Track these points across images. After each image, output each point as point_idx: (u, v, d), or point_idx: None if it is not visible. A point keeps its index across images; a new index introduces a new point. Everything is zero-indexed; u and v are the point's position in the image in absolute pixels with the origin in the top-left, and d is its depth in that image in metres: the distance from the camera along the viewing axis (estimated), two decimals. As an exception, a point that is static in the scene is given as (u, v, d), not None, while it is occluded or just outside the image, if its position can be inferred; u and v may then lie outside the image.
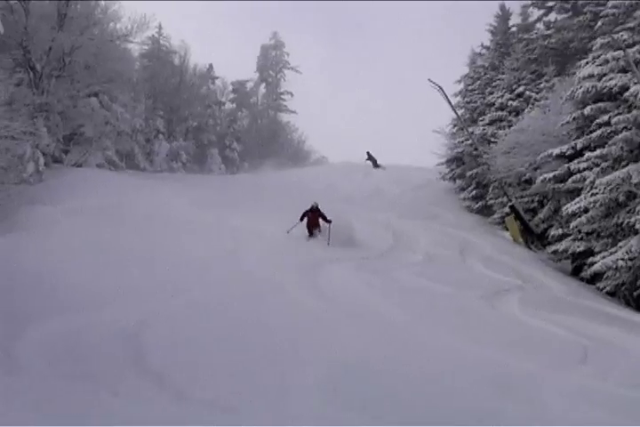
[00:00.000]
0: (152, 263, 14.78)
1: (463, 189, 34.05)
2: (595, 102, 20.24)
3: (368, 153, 43.55)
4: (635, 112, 18.03)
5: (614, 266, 17.70)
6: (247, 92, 61.96)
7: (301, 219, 20.40)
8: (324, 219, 20.32)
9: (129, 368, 8.90)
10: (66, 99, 28.75)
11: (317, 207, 20.58)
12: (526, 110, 28.79)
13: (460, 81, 41.02)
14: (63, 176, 25.32)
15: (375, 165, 43.11)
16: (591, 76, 20.27)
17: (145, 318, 10.95)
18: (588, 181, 19.82)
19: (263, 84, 66.78)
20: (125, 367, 8.92)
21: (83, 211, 19.46)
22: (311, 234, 20.50)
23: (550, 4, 34.40)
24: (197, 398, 7.97)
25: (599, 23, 22.40)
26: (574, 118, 21.23)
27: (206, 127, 48.79)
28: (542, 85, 29.76)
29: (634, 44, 18.97)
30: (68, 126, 29.93)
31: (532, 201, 26.44)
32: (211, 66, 51.61)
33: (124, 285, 12.80)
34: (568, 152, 21.73)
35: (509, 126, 28.82)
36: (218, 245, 17.66)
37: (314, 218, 20.48)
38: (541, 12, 35.90)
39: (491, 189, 29.76)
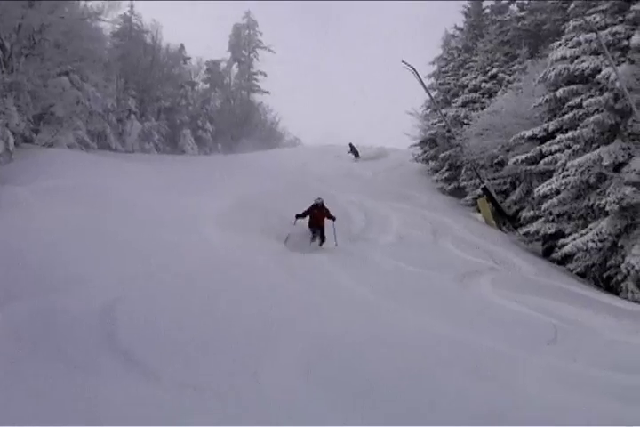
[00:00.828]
0: (127, 244, 14.62)
1: (436, 171, 34.21)
2: (567, 84, 20.36)
3: (350, 145, 43.16)
4: (606, 95, 18.17)
5: (585, 247, 17.97)
6: (220, 73, 61.50)
7: (303, 216, 18.09)
8: (329, 216, 18.16)
9: (102, 348, 8.83)
10: (36, 78, 28.21)
11: (322, 204, 18.26)
12: (499, 92, 28.93)
13: (433, 62, 40.94)
14: (33, 156, 24.92)
15: (357, 156, 42.84)
16: (564, 58, 20.36)
17: (120, 297, 10.85)
18: (559, 163, 20.03)
19: (236, 64, 66.28)
20: (98, 347, 8.85)
21: (55, 191, 19.12)
22: (315, 233, 17.96)
23: (524, -15, 34.41)
24: (169, 377, 7.96)
25: (572, 5, 22.34)
26: (547, 100, 21.36)
27: (179, 107, 48.54)
28: (515, 67, 29.88)
29: (606, 27, 19.01)
30: (39, 106, 29.42)
31: (505, 183, 26.68)
32: (182, 46, 51.20)
33: (99, 264, 12.70)
34: (540, 134, 21.90)
35: (482, 108, 28.95)
36: (194, 230, 17.44)
37: (319, 216, 18.01)
38: (515, -7, 35.92)
39: (463, 170, 29.94)
